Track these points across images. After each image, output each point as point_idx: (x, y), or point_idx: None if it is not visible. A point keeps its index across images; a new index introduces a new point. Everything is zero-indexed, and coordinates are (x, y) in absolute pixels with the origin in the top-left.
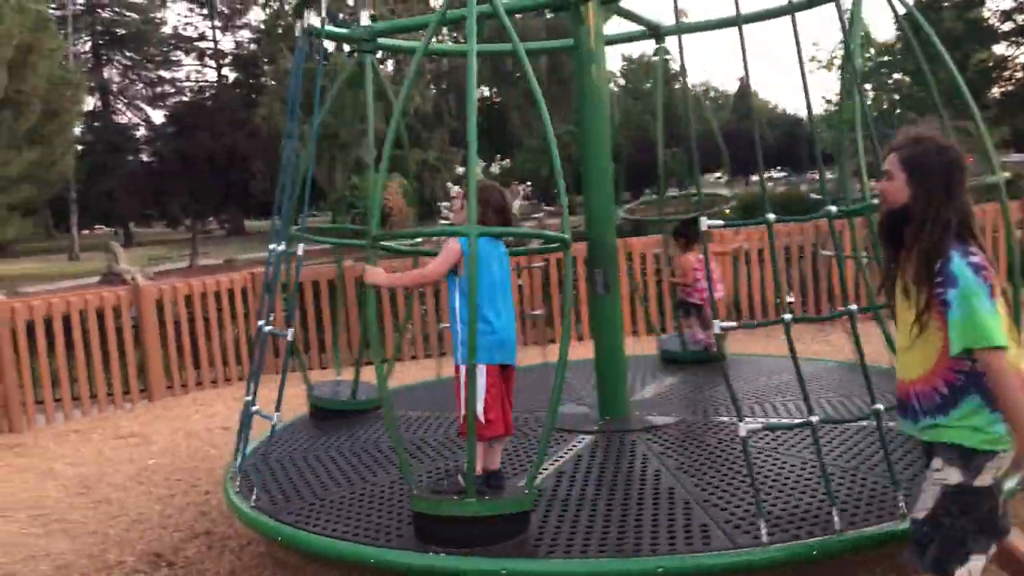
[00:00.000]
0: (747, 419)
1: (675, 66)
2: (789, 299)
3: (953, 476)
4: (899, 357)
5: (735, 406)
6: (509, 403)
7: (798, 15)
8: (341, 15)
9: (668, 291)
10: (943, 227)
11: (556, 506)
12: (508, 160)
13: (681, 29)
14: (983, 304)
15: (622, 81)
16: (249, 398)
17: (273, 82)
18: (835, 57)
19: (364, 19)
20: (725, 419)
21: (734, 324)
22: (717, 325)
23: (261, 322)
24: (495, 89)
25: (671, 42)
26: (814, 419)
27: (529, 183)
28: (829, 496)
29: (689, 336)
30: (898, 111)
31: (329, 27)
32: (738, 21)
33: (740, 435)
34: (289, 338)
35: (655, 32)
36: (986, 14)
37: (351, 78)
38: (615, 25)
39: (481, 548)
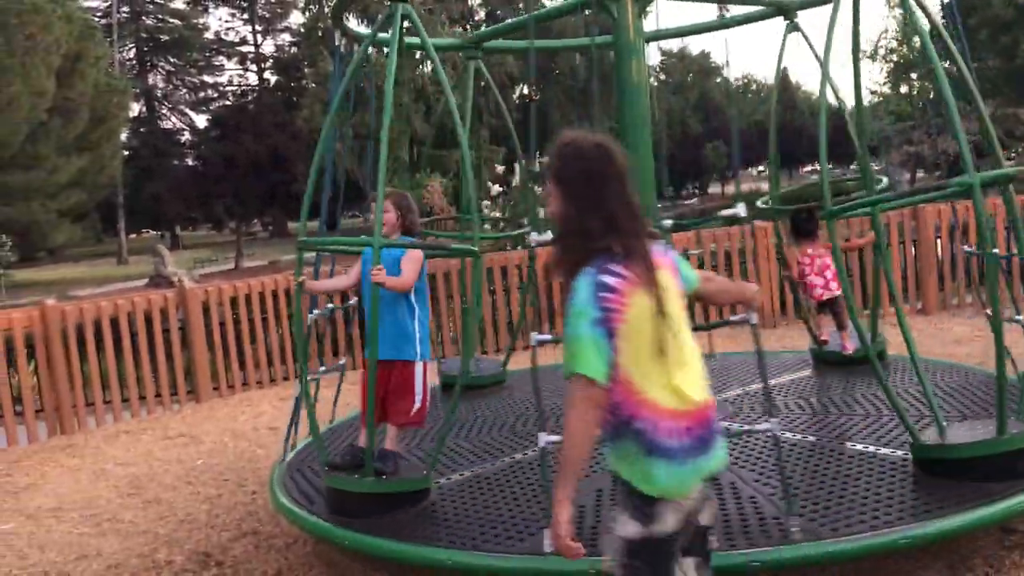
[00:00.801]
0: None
1: (714, 63)
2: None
3: (626, 524)
4: None
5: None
6: None
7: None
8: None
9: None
10: (583, 238)
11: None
12: (547, 157)
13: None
14: (579, 326)
15: (662, 76)
16: (312, 377)
17: (314, 84)
18: (879, 47)
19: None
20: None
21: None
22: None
23: (314, 312)
24: (535, 86)
25: (708, 40)
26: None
27: None
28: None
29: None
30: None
31: (434, 39)
32: None
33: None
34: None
35: (784, 10)
36: None
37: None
38: (654, 21)
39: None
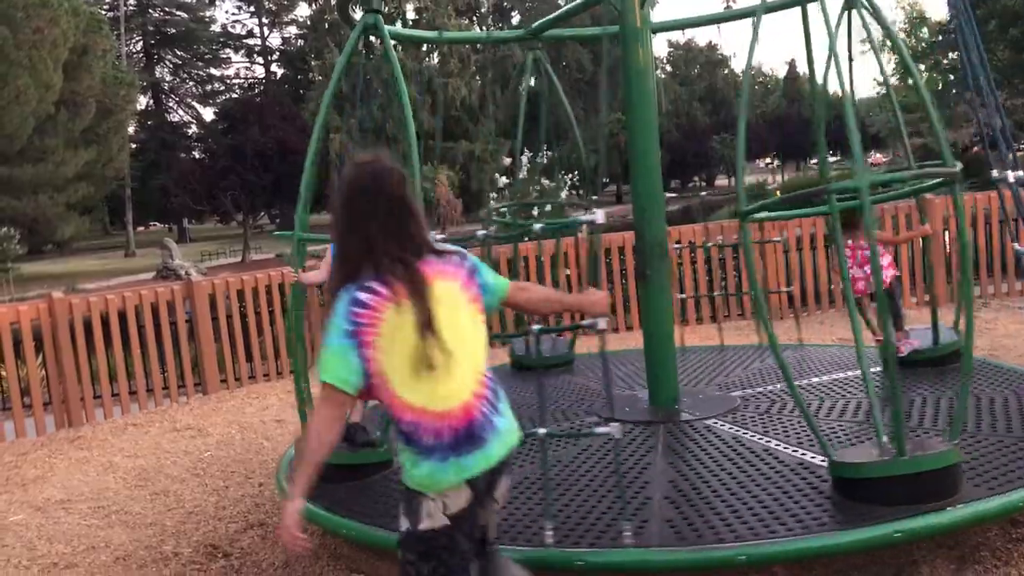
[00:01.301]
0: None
1: (719, 55)
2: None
3: (401, 520)
4: None
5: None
6: None
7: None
8: (387, 8)
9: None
10: (342, 259)
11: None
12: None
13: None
14: (330, 338)
15: (668, 68)
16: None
17: (320, 77)
18: (886, 40)
19: (409, 11)
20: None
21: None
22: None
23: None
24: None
25: (711, 32)
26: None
27: (576, 172)
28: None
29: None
30: (954, 91)
31: (501, 32)
32: None
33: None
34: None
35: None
36: None
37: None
38: (659, 13)
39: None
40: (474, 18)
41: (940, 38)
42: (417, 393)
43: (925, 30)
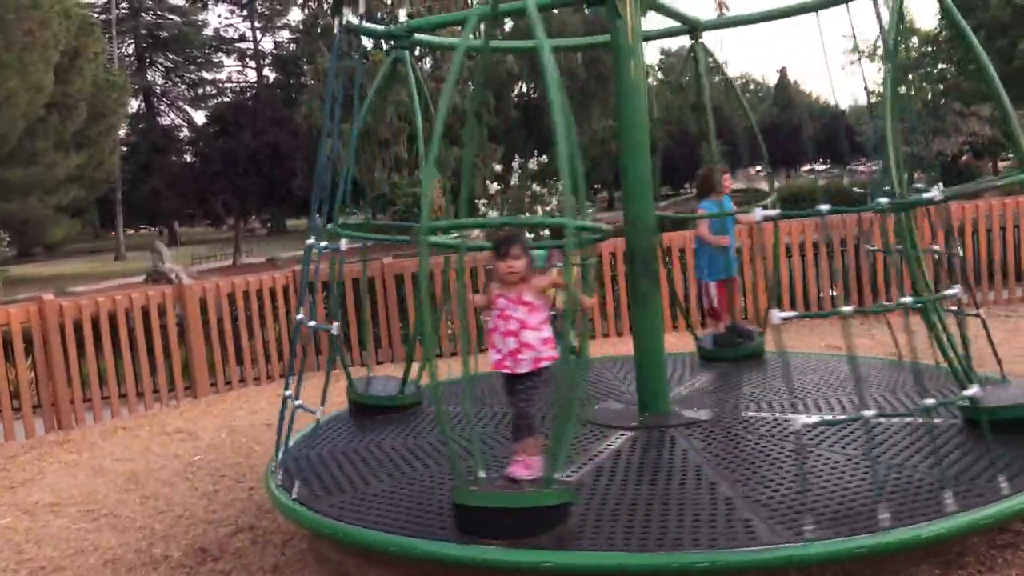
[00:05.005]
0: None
1: (710, 61)
2: (832, 293)
3: None
4: None
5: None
6: None
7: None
8: (379, 13)
9: None
10: None
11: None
12: (546, 156)
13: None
14: None
15: (660, 75)
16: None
17: (313, 81)
18: (877, 47)
19: (402, 16)
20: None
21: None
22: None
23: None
24: (532, 85)
25: (708, 37)
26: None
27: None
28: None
29: None
30: (943, 101)
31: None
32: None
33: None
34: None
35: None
36: None
37: (387, 76)
38: (653, 21)
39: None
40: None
41: (930, 48)
42: None
43: (915, 40)
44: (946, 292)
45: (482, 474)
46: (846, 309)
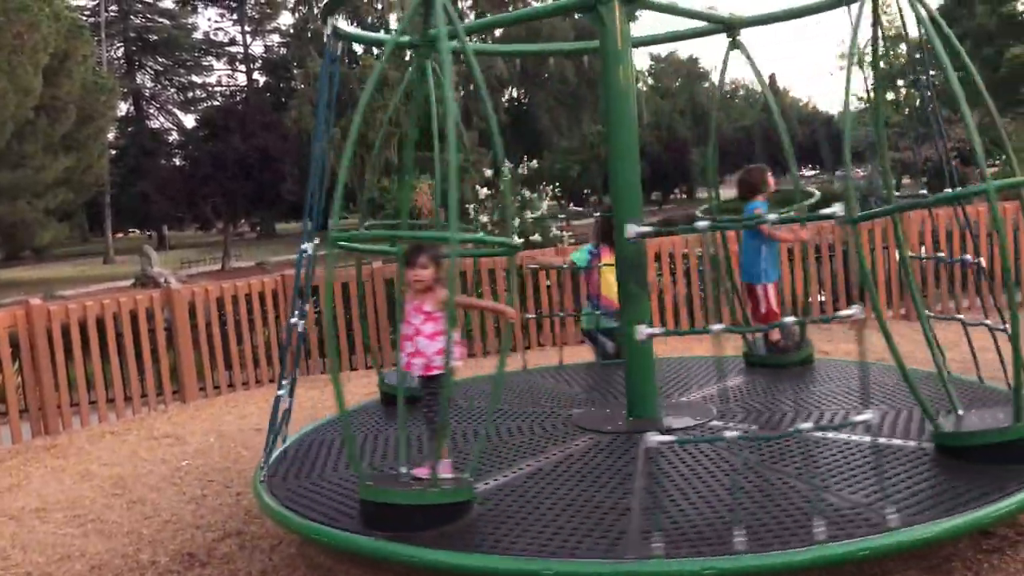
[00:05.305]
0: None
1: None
2: (820, 298)
3: None
4: None
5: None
6: None
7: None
8: (369, 18)
9: None
10: None
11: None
12: (536, 161)
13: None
14: None
15: (651, 80)
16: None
17: (302, 85)
18: (866, 54)
19: (392, 22)
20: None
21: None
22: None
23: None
24: (523, 90)
25: (700, 43)
26: (804, 426)
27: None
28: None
29: None
30: (931, 108)
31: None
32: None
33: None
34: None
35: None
36: (1020, 8)
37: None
38: (642, 27)
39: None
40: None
41: (919, 55)
42: None
43: (903, 46)
44: (846, 311)
45: (404, 470)
46: (715, 328)
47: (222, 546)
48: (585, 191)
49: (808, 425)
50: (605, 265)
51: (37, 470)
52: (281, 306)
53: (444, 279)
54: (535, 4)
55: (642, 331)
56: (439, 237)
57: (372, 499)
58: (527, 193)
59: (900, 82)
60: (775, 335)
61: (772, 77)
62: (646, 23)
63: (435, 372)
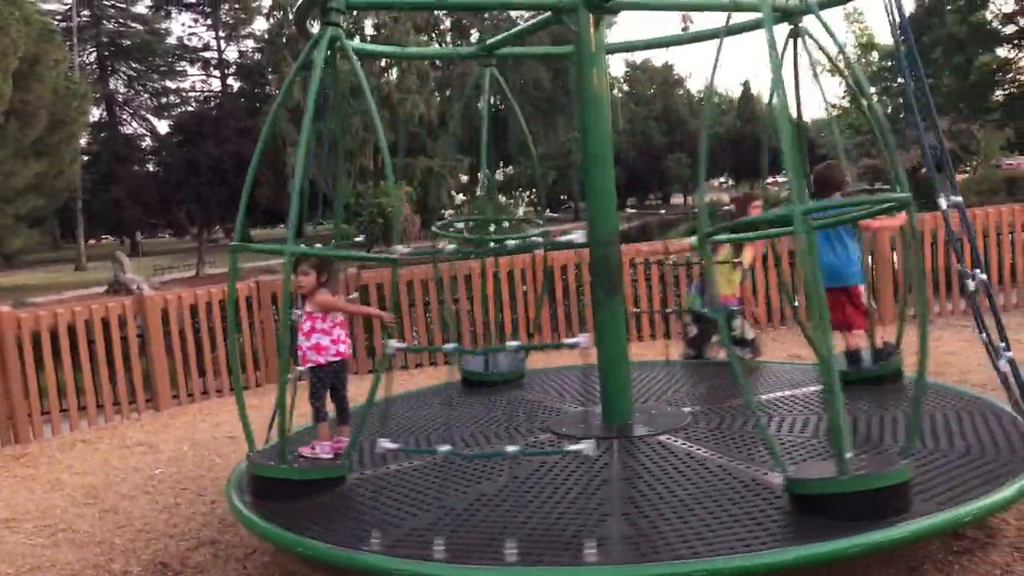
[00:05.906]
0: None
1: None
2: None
3: None
4: None
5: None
6: None
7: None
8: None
9: None
10: None
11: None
12: (511, 167)
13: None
14: None
15: (626, 87)
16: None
17: (277, 91)
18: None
19: (368, 28)
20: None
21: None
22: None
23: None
24: (499, 96)
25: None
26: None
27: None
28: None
29: None
30: (903, 115)
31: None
32: None
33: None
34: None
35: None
36: (989, 17)
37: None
38: (620, 33)
39: None
40: (434, 35)
41: (890, 63)
42: None
43: (875, 54)
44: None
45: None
46: (447, 347)
47: (196, 555)
48: (561, 196)
49: (515, 448)
50: (719, 263)
51: (6, 479)
52: (255, 312)
53: (332, 284)
54: (519, 24)
55: (393, 345)
56: (282, 249)
57: (257, 474)
58: (501, 198)
59: (873, 89)
60: (856, 341)
61: (746, 85)
62: (620, 30)
63: (309, 365)
